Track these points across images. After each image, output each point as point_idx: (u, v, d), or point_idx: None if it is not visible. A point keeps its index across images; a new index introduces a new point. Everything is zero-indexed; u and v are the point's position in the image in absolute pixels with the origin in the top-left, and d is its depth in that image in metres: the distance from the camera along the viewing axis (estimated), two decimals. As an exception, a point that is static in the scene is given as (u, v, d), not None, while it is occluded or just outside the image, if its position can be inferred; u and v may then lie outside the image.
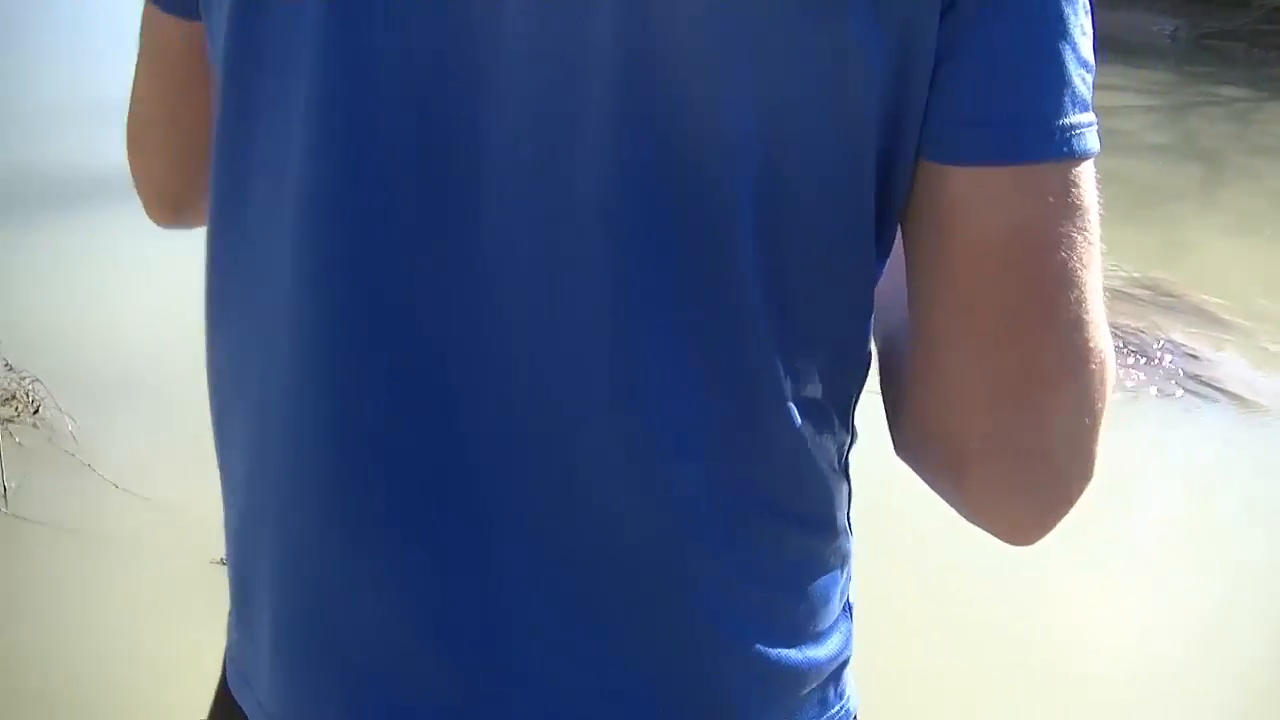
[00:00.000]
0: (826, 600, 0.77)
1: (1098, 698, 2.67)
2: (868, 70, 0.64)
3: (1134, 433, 3.95)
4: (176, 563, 2.68)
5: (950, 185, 0.67)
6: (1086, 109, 0.66)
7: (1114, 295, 4.99)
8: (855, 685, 0.82)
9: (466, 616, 0.72)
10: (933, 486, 0.76)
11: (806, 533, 0.76)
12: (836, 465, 0.76)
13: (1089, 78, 0.67)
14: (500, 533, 0.71)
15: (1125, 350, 4.45)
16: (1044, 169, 0.66)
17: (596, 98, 0.65)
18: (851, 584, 0.81)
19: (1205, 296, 5.09)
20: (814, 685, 0.77)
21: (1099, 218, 0.68)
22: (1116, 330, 4.54)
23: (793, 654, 0.75)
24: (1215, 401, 4.17)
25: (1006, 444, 0.70)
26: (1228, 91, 9.47)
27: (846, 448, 0.77)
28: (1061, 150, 0.65)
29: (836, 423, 0.75)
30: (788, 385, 0.70)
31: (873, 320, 0.75)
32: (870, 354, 0.76)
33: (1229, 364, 4.48)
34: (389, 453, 0.71)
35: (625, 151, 0.66)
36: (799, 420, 0.71)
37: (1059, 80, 0.65)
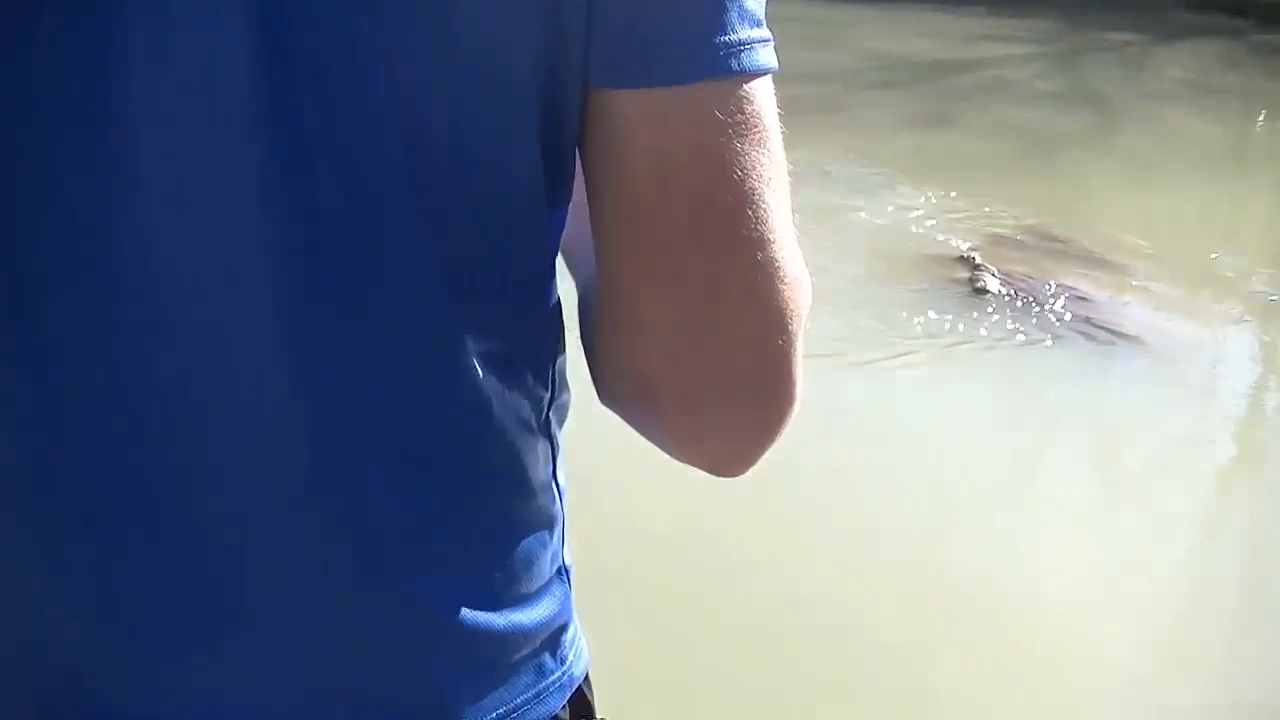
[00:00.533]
0: (531, 563, 0.75)
1: (1014, 645, 2.67)
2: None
3: (1030, 379, 3.96)
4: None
5: (617, 111, 0.65)
6: (758, 24, 0.65)
7: (1003, 243, 5.00)
8: (582, 650, 0.79)
9: (142, 600, 0.68)
10: (638, 429, 0.74)
11: (501, 492, 0.73)
12: (535, 423, 0.74)
13: None
14: (188, 511, 0.67)
15: (1016, 297, 4.44)
16: (710, 87, 0.64)
17: (236, 51, 0.61)
18: (566, 547, 0.78)
19: (1096, 241, 5.12)
20: (526, 652, 0.75)
21: (780, 134, 0.66)
22: (1008, 278, 4.53)
23: (496, 619, 0.72)
24: (1110, 345, 4.19)
25: (698, 372, 0.68)
26: (1118, 36, 9.58)
27: (547, 405, 0.75)
28: (729, 67, 0.64)
29: (531, 380, 0.72)
30: (467, 343, 0.68)
31: (572, 272, 0.74)
32: (560, 309, 0.75)
33: (1121, 307, 4.52)
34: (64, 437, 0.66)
35: (275, 110, 0.62)
36: (482, 377, 0.69)
37: None
